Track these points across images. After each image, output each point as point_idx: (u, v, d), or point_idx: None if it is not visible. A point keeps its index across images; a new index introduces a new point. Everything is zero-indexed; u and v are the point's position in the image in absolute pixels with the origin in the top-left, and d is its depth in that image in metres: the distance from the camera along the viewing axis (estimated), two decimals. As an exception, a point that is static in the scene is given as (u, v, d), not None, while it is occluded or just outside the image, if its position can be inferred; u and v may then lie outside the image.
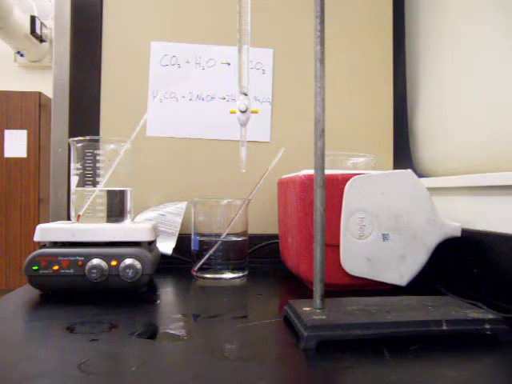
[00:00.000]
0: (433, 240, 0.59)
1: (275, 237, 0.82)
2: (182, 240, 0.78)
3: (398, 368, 0.35)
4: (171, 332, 0.44)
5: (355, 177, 0.59)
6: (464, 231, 0.61)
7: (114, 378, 0.33)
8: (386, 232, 0.59)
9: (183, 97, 0.86)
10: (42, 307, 0.53)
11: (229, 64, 0.86)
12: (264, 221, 0.86)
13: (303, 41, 0.88)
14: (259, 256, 0.83)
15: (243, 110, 0.59)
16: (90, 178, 0.62)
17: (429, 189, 0.60)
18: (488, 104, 0.66)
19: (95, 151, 0.63)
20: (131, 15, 0.86)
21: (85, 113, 0.85)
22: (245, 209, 0.70)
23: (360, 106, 0.90)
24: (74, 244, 0.58)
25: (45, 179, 2.36)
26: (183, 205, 0.82)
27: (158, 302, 0.56)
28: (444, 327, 0.40)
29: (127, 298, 0.56)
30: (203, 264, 0.68)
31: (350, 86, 0.90)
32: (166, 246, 0.77)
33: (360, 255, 0.59)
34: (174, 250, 0.77)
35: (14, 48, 2.76)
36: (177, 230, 0.79)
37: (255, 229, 0.83)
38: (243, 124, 0.61)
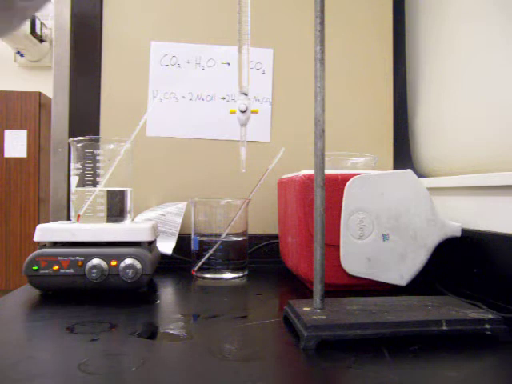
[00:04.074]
0: (433, 240, 0.59)
1: (275, 237, 0.82)
2: (182, 240, 0.78)
3: (398, 368, 0.35)
4: (171, 332, 0.44)
5: (355, 177, 0.59)
6: (464, 231, 0.61)
7: (114, 378, 0.33)
8: (386, 232, 0.59)
9: (183, 97, 0.86)
10: (42, 307, 0.53)
11: (229, 64, 0.86)
12: (264, 221, 0.86)
13: (303, 41, 0.88)
14: (259, 256, 0.83)
15: (243, 110, 0.60)
16: (90, 177, 0.62)
17: (429, 189, 0.60)
18: (488, 104, 0.66)
19: (95, 151, 0.63)
20: (131, 15, 0.86)
21: (85, 113, 0.85)
22: (245, 209, 0.70)
23: (360, 106, 0.90)
24: (73, 244, 0.58)
25: (45, 179, 2.36)
26: (183, 205, 0.82)
27: (158, 301, 0.56)
28: (444, 327, 0.40)
29: (127, 298, 0.56)
30: (203, 264, 0.68)
31: (350, 85, 0.90)
32: (166, 246, 0.77)
33: (360, 255, 0.59)
34: (174, 250, 0.77)
35: (14, 48, 2.76)
36: (177, 230, 0.79)
37: (255, 229, 0.83)
38: (243, 124, 0.61)
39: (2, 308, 0.52)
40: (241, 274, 0.70)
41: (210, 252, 0.68)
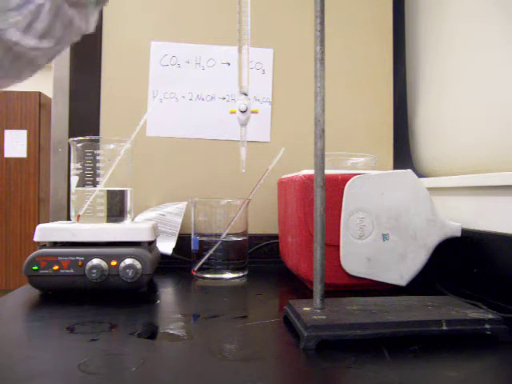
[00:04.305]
0: (433, 240, 0.59)
1: (275, 237, 0.82)
2: (182, 240, 0.78)
3: (398, 368, 0.35)
4: (171, 332, 0.44)
5: (355, 177, 0.59)
6: (464, 231, 0.61)
7: (114, 378, 0.33)
8: (386, 232, 0.59)
9: (183, 97, 0.86)
10: (42, 307, 0.53)
11: (229, 64, 0.86)
12: (264, 221, 0.86)
13: (303, 41, 0.88)
14: (259, 256, 0.83)
15: (243, 110, 0.59)
16: (90, 177, 0.62)
17: (429, 189, 0.60)
18: (488, 104, 0.66)
19: (95, 151, 0.63)
20: (131, 15, 0.86)
21: (85, 113, 0.85)
22: (245, 209, 0.70)
23: (360, 106, 0.90)
24: (73, 244, 0.58)
25: (45, 179, 2.36)
26: (183, 205, 0.82)
27: (158, 301, 0.56)
28: (444, 327, 0.40)
29: (127, 298, 0.56)
30: (203, 264, 0.68)
31: (350, 85, 0.90)
32: (166, 246, 0.77)
33: (360, 255, 0.59)
34: (174, 249, 0.77)
35: (14, 48, 2.76)
36: (177, 230, 0.79)
37: (255, 229, 0.83)
38: (243, 124, 0.61)
39: (2, 308, 0.52)
40: (241, 274, 0.70)
41: (210, 252, 0.68)
